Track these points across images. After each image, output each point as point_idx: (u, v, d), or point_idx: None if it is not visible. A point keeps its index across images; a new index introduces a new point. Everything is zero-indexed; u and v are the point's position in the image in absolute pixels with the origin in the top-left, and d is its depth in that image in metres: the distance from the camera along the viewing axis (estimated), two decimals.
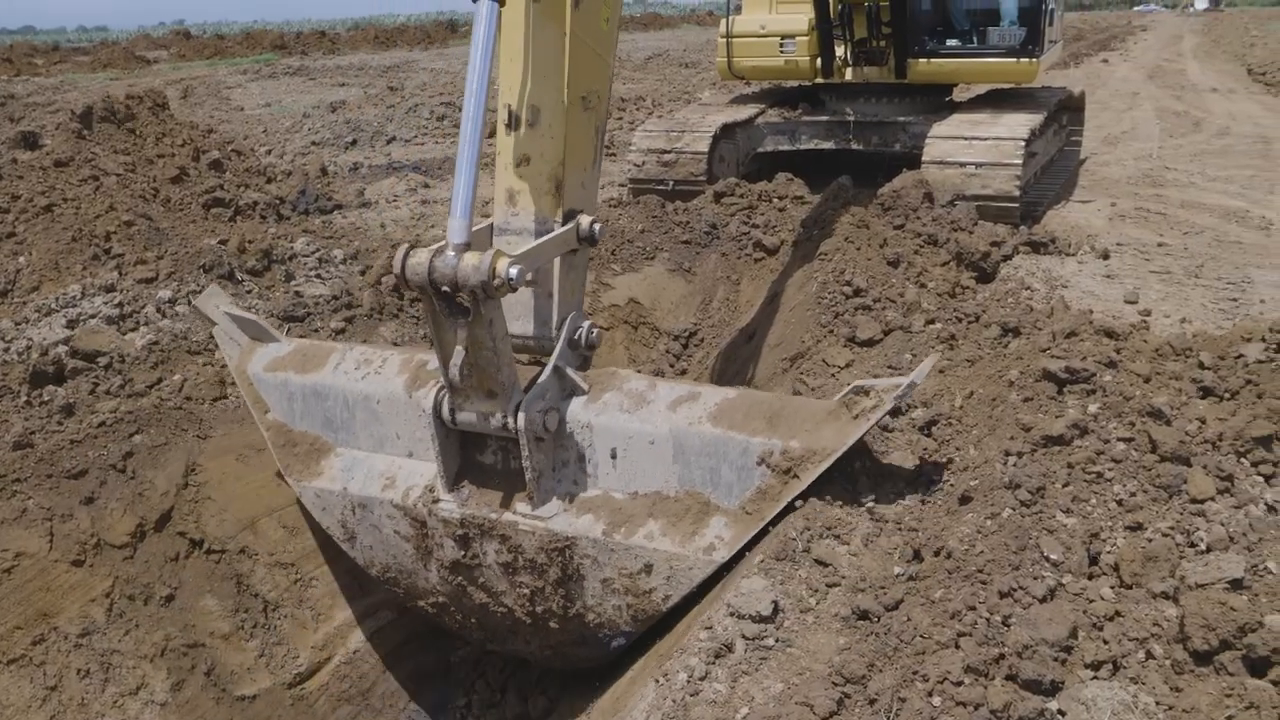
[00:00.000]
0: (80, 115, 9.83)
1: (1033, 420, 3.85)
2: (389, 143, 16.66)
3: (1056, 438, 3.72)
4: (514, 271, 3.69)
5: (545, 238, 4.23)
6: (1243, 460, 3.51)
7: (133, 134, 10.05)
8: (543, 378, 4.22)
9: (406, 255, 3.78)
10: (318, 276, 7.61)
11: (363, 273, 7.54)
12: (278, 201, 10.11)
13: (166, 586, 4.90)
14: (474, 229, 3.92)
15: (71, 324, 6.51)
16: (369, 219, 10.60)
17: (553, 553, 4.31)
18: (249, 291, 7.20)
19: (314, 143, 16.47)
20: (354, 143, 16.54)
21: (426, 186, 12.61)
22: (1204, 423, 3.69)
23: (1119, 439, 3.65)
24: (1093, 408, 3.85)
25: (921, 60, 10.17)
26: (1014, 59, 9.92)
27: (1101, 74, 25.71)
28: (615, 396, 4.32)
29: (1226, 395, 3.91)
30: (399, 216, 10.78)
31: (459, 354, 3.93)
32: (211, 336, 5.67)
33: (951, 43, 10.27)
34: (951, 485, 3.81)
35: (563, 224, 4.32)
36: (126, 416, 5.44)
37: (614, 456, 4.26)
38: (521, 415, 4.05)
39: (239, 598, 5.09)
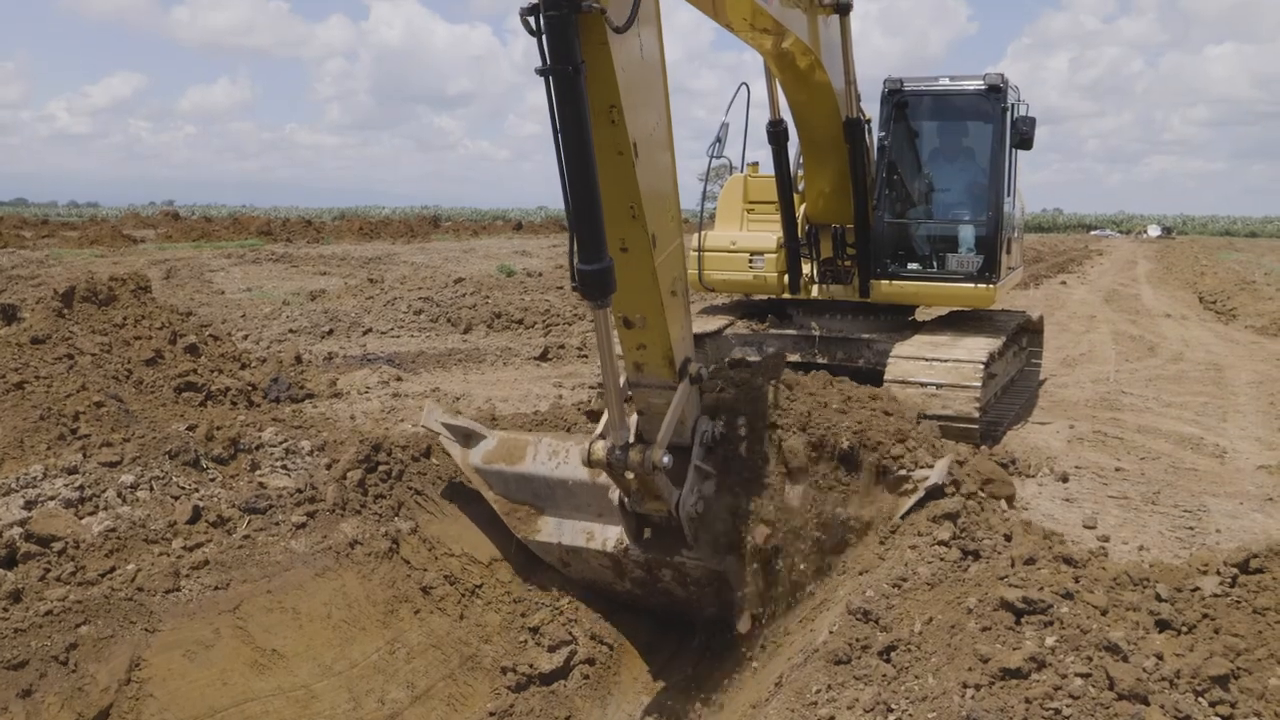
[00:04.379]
0: (62, 294, 9.97)
1: (990, 651, 3.84)
2: (365, 334, 16.89)
3: (1014, 670, 3.71)
4: (667, 460, 5.34)
5: (673, 408, 5.57)
6: (1200, 699, 3.51)
7: (112, 315, 10.19)
8: (689, 476, 5.90)
9: (590, 449, 5.41)
10: (283, 467, 7.57)
11: (329, 466, 7.52)
12: (250, 388, 10.17)
13: None
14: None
15: (29, 505, 6.41)
16: (339, 410, 10.66)
17: (710, 578, 6.17)
18: (213, 479, 7.16)
19: (291, 330, 16.67)
20: (330, 332, 16.76)
21: (399, 379, 12.72)
22: (1161, 659, 3.70)
23: (1077, 674, 3.65)
24: (1050, 640, 3.86)
25: (884, 281, 10.59)
26: (972, 285, 10.32)
27: (1060, 295, 26.77)
28: None
29: (1184, 629, 3.95)
30: (370, 408, 10.85)
31: (633, 489, 5.82)
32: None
33: (912, 266, 10.68)
34: (910, 716, 3.77)
35: (679, 376, 5.66)
36: (75, 606, 5.30)
37: None
38: (681, 510, 5.83)
39: None
